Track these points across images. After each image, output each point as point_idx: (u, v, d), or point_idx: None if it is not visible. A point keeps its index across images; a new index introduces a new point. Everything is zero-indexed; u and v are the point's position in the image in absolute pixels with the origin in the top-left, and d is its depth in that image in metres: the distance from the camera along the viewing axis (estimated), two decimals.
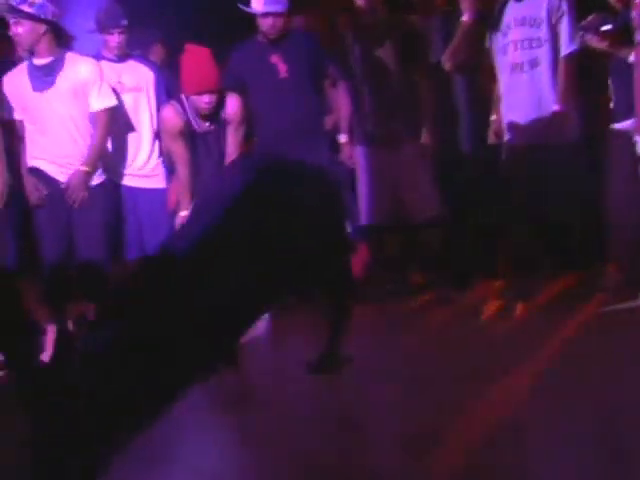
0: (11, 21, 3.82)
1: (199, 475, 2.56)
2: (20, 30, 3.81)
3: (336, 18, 4.70)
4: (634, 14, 3.37)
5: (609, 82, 3.95)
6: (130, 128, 4.26)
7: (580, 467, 2.28)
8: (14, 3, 3.78)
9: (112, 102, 3.99)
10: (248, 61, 4.31)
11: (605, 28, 3.67)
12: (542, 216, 4.14)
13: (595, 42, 3.78)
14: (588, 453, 2.36)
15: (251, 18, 4.29)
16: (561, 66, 3.94)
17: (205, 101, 3.93)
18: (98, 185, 3.96)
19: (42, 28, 3.82)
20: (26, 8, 3.77)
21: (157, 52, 4.78)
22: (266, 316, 4.21)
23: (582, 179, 4.00)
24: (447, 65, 4.23)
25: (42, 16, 3.79)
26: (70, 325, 4.04)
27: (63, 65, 3.88)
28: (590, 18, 3.77)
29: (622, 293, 3.91)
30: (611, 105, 3.96)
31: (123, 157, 4.24)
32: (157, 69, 4.43)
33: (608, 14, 3.74)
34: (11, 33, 3.85)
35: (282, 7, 4.23)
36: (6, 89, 3.88)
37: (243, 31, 4.47)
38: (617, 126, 3.90)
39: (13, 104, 3.89)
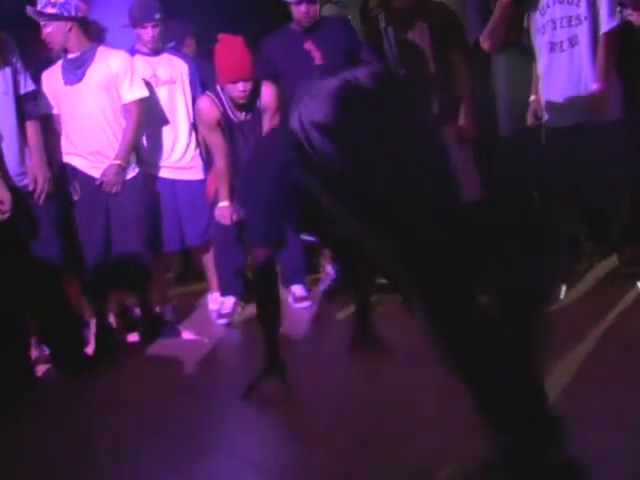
0: (41, 24, 3.86)
1: (247, 465, 2.57)
2: (49, 31, 3.85)
3: (369, 2, 4.66)
4: None
5: None
6: (166, 121, 4.26)
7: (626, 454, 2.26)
8: (39, 7, 3.81)
9: (144, 93, 3.98)
10: (282, 49, 4.29)
11: None
12: (584, 198, 4.07)
13: (634, 17, 3.70)
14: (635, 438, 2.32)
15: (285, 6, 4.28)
16: (601, 43, 3.85)
17: (240, 89, 3.93)
18: (132, 178, 3.96)
19: (68, 25, 3.83)
20: (49, 9, 3.79)
21: (189, 46, 4.78)
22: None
23: (624, 159, 3.92)
24: (485, 45, 4.16)
25: (65, 14, 3.80)
26: (111, 318, 4.10)
27: (93, 58, 3.90)
28: None
29: None
30: None
31: (160, 150, 4.25)
32: (191, 61, 4.43)
33: None
34: (43, 36, 3.90)
35: None
36: (44, 85, 3.92)
37: (278, 20, 4.45)
38: None
39: (50, 99, 3.93)
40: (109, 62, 3.92)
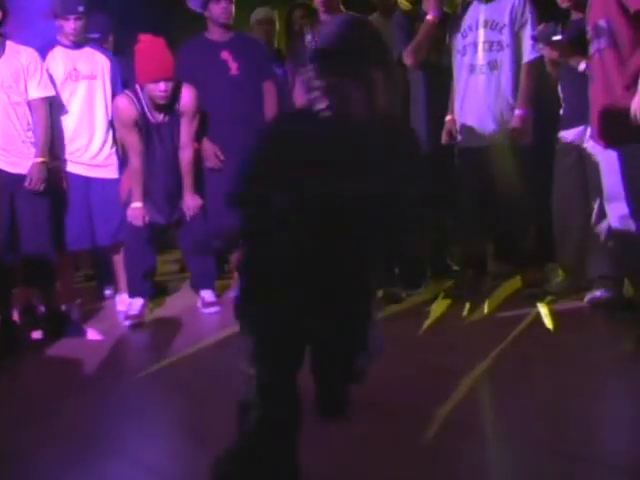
0: None
1: (146, 471, 2.55)
2: None
3: (292, 14, 4.71)
4: (588, 28, 3.41)
5: (558, 89, 4.01)
6: (83, 117, 4.19)
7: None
8: None
9: (50, 92, 3.95)
10: (198, 57, 4.32)
11: (555, 38, 3.71)
12: (492, 217, 4.18)
13: (546, 52, 3.83)
14: (525, 450, 2.40)
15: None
16: (524, 71, 3.98)
17: (161, 89, 3.92)
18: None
19: None
20: None
21: (109, 41, 4.71)
22: None
23: (532, 181, 4.05)
24: (408, 61, 4.26)
25: None
26: (15, 314, 4.01)
27: (3, 52, 3.82)
28: (540, 28, 3.81)
29: (569, 294, 3.99)
30: (560, 111, 4.01)
31: (75, 146, 4.18)
32: (113, 57, 4.38)
33: (557, 23, 3.79)
34: None
35: None
36: None
37: (192, 26, 4.49)
38: (565, 133, 3.95)
39: None
40: (20, 57, 3.85)
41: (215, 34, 4.36)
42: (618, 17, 3.20)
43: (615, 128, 3.28)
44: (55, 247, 3.97)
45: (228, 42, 4.35)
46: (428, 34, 4.18)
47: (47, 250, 3.89)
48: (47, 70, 4.00)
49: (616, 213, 3.49)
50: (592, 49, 3.38)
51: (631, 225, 3.40)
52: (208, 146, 4.33)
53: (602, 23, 3.27)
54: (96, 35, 4.50)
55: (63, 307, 4.13)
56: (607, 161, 3.46)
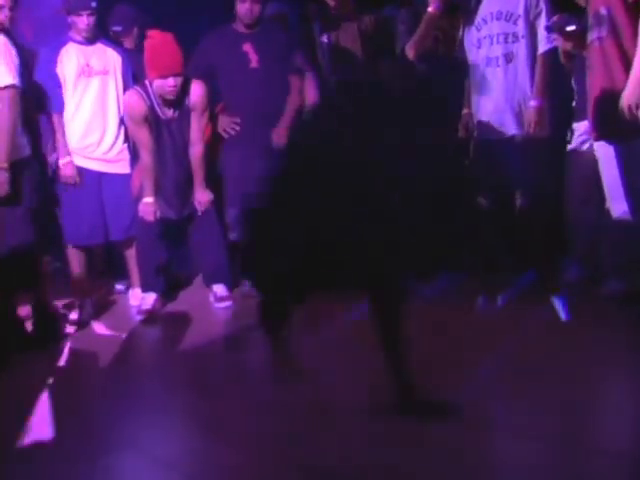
0: None
1: (153, 463, 2.56)
2: None
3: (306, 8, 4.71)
4: (590, 16, 3.38)
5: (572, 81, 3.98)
6: (96, 112, 4.20)
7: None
8: None
9: (7, 81, 3.56)
10: (219, 48, 4.31)
11: (570, 29, 3.68)
12: (509, 211, 4.16)
13: (560, 42, 3.80)
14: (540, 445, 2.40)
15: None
16: (540, 62, 3.95)
17: (170, 84, 3.93)
18: (21, 162, 3.65)
19: None
20: None
21: (133, 34, 4.71)
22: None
23: (549, 175, 4.02)
24: (410, 53, 4.24)
25: None
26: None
27: None
28: (555, 18, 3.78)
29: (583, 286, 3.98)
30: (573, 103, 3.99)
31: (88, 141, 4.19)
32: (125, 53, 4.39)
33: (572, 14, 3.76)
34: None
35: None
36: None
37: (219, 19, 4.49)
38: (578, 124, 3.93)
39: None
40: None
41: (240, 27, 4.34)
42: (618, 5, 3.18)
43: (610, 121, 3.26)
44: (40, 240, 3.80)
45: (252, 34, 4.32)
46: (429, 26, 4.15)
47: (30, 245, 3.72)
48: (11, 56, 3.63)
49: (616, 207, 3.48)
50: (591, 37, 3.36)
51: (630, 219, 3.39)
52: (224, 118, 4.36)
53: (603, 11, 3.25)
54: (119, 28, 4.51)
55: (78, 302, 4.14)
56: (605, 155, 3.44)
